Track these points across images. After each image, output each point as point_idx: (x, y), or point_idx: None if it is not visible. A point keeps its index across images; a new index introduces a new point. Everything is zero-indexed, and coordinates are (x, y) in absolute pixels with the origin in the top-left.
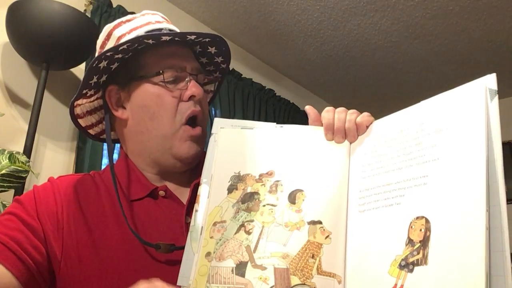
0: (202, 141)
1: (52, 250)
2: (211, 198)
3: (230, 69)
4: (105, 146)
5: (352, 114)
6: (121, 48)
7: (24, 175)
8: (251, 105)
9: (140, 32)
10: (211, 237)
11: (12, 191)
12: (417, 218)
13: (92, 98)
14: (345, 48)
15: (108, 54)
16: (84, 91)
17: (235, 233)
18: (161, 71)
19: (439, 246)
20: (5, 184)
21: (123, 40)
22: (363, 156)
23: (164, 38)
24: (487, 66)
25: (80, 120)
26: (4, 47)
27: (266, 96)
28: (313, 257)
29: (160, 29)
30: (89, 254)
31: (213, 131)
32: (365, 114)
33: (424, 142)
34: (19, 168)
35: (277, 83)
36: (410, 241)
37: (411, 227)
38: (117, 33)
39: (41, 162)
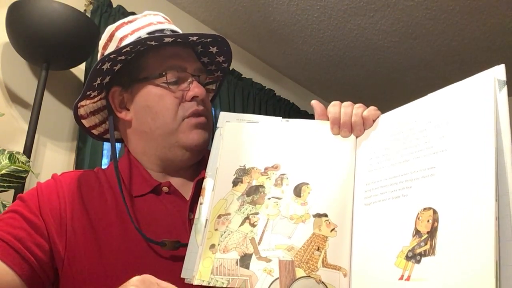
0: (208, 129)
1: (55, 248)
2: (216, 191)
3: (230, 69)
4: (105, 146)
5: (358, 108)
6: (124, 50)
7: (24, 175)
8: (251, 105)
9: (142, 33)
10: (216, 230)
11: (12, 191)
12: (425, 209)
13: (96, 99)
14: (345, 48)
15: (112, 56)
16: (88, 93)
17: (240, 226)
18: (163, 73)
19: (447, 237)
20: (5, 184)
21: (125, 41)
22: (369, 150)
23: (166, 39)
24: (487, 66)
25: (83, 121)
26: (4, 47)
27: (266, 96)
28: (318, 249)
29: (162, 30)
30: (92, 251)
31: (218, 125)
32: (372, 108)
33: (432, 134)
34: (19, 168)
35: (277, 83)
36: (417, 233)
37: (418, 218)
38: (119, 34)
39: (41, 162)
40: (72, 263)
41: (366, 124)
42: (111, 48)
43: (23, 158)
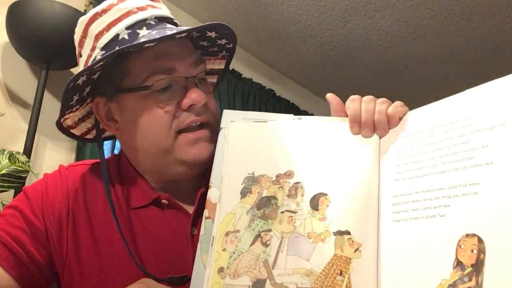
0: (213, 140)
1: (55, 252)
2: (222, 203)
3: (230, 69)
4: (105, 146)
5: (382, 103)
6: (97, 66)
7: (24, 175)
8: (251, 105)
9: (120, 27)
10: (224, 250)
11: (12, 191)
12: (467, 235)
13: (81, 108)
14: (345, 48)
15: (85, 73)
16: (67, 112)
17: (251, 245)
18: (150, 84)
19: (498, 274)
20: (5, 184)
21: (102, 39)
22: (396, 154)
23: (148, 44)
24: (487, 66)
25: (73, 131)
26: (4, 47)
27: (266, 96)
28: (341, 274)
29: (144, 20)
30: (91, 264)
31: (222, 125)
32: (398, 103)
33: (473, 141)
34: (19, 168)
35: (277, 83)
36: (458, 264)
37: (460, 246)
38: (94, 30)
39: (41, 162)
40: (72, 271)
41: (391, 122)
42: (87, 45)
43: (23, 158)
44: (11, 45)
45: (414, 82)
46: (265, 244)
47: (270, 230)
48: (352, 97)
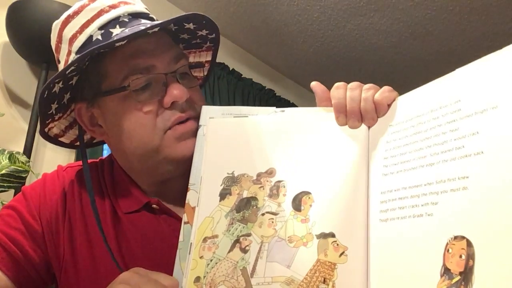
0: None
1: (52, 253)
2: (200, 206)
3: (230, 69)
4: (105, 146)
5: (368, 90)
6: (69, 70)
7: (24, 175)
8: (251, 105)
9: (93, 28)
10: (201, 257)
11: (12, 191)
12: (455, 238)
13: (65, 115)
14: (345, 48)
15: (58, 80)
16: (47, 121)
17: (229, 252)
18: (127, 85)
19: (489, 283)
20: (5, 184)
21: (75, 42)
22: (384, 145)
23: (120, 43)
24: None
25: (62, 139)
26: (4, 47)
27: (266, 96)
28: (324, 281)
29: (117, 18)
30: (85, 265)
31: (201, 122)
32: (386, 88)
33: (462, 128)
34: (19, 168)
35: (277, 83)
36: (446, 271)
37: (448, 250)
38: (68, 33)
39: (41, 162)
40: (69, 275)
41: (379, 110)
42: (64, 50)
43: (23, 158)
44: (11, 45)
45: (414, 82)
46: (244, 250)
47: (249, 235)
48: (336, 84)
